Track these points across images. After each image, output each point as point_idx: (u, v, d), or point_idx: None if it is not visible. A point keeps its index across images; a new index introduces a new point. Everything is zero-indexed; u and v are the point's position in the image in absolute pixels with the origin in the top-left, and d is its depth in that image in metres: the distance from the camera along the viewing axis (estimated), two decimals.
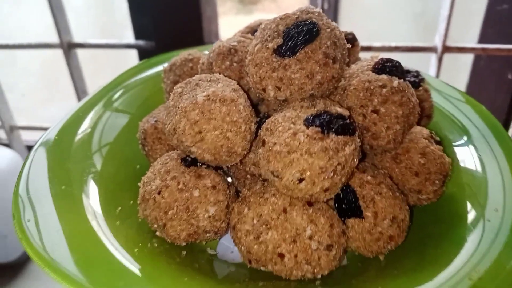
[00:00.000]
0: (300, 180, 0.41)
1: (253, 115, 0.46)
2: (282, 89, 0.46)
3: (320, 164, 0.40)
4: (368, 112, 0.47)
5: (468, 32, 1.52)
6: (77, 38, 1.20)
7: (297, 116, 0.43)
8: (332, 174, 0.40)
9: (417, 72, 0.63)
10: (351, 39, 0.57)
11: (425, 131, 0.53)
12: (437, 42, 1.11)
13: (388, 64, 0.49)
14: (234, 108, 0.44)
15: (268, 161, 0.42)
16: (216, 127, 0.43)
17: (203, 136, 0.43)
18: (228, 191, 0.47)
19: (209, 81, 0.47)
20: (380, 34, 1.79)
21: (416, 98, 0.50)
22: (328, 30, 0.47)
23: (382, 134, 0.47)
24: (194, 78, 0.48)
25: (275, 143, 0.41)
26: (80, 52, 1.23)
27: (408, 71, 0.63)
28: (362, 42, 1.15)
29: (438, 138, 0.54)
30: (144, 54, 1.20)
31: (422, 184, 0.50)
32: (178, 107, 0.45)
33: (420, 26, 1.67)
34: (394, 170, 0.50)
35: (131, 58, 1.31)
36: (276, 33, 0.47)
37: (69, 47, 1.20)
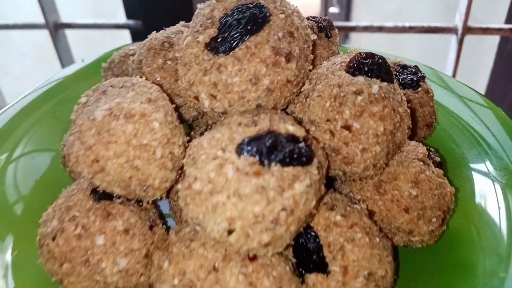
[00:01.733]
0: (229, 232, 0.29)
1: (179, 134, 0.34)
2: (218, 98, 0.34)
3: (255, 211, 0.28)
4: (337, 128, 0.34)
5: (494, 12, 1.35)
6: (68, 18, 1.10)
7: (230, 138, 0.30)
8: (273, 224, 0.28)
9: (415, 67, 0.50)
10: (326, 27, 0.44)
11: (421, 149, 0.40)
12: (458, 22, 0.96)
13: (367, 61, 0.36)
14: (144, 126, 0.32)
15: (186, 203, 0.30)
16: (119, 154, 0.31)
17: (102, 165, 0.31)
18: (151, 234, 0.35)
19: (122, 87, 0.35)
20: (397, 13, 1.63)
21: (406, 108, 0.37)
22: (282, 16, 0.34)
23: (357, 158, 0.34)
24: (105, 82, 0.36)
25: (195, 178, 0.29)
26: (71, 33, 1.14)
27: (404, 66, 0.50)
28: (376, 22, 1.01)
29: (438, 159, 0.41)
30: (136, 34, 1.09)
31: (414, 222, 0.37)
32: (75, 124, 0.34)
33: (441, 5, 1.51)
34: (377, 203, 0.38)
35: (125, 38, 1.20)
36: (209, 21, 0.34)
37: (55, 28, 1.10)
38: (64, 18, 1.11)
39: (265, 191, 0.28)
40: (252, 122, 0.31)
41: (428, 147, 0.41)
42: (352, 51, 0.41)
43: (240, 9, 0.34)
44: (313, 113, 0.35)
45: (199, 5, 0.37)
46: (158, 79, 0.40)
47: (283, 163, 0.29)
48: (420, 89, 0.47)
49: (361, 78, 0.35)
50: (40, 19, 1.09)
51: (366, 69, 0.36)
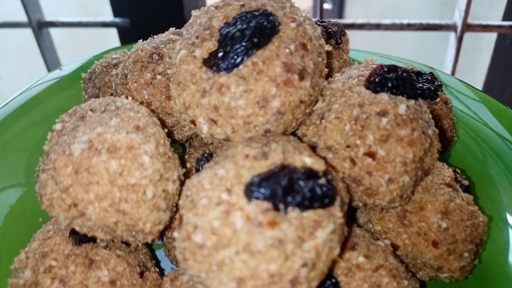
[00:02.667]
0: None
1: (173, 167, 0.29)
2: (219, 123, 0.29)
3: (270, 270, 0.23)
4: (359, 155, 0.29)
5: (492, 8, 1.32)
6: (53, 16, 1.03)
7: (236, 176, 0.25)
8: (292, 284, 0.23)
9: (431, 75, 0.45)
10: (336, 32, 0.39)
11: (448, 172, 0.35)
12: (457, 19, 0.92)
13: (390, 75, 0.31)
14: (131, 162, 0.26)
15: (184, 258, 0.24)
16: (102, 196, 0.26)
17: (81, 210, 0.26)
18: (141, 282, 0.30)
19: (104, 111, 0.29)
20: (392, 9, 1.59)
21: (434, 128, 0.32)
22: (293, 24, 0.29)
23: (382, 189, 0.30)
24: (85, 105, 0.31)
25: (196, 227, 0.24)
26: (56, 31, 1.07)
27: (419, 73, 0.45)
28: (371, 19, 0.96)
29: (466, 182, 0.36)
30: (124, 33, 1.03)
31: (444, 258, 0.32)
32: (48, 158, 0.28)
33: (437, 2, 1.47)
34: (401, 236, 0.33)
35: (113, 37, 1.14)
36: (207, 32, 0.29)
37: (39, 26, 1.03)
38: (48, 16, 1.04)
39: (282, 245, 0.23)
40: (262, 154, 0.26)
41: (454, 168, 0.36)
42: (368, 61, 0.36)
43: (243, 17, 0.28)
44: (330, 138, 0.30)
45: (193, 12, 0.31)
46: (146, 96, 0.35)
47: (302, 206, 0.24)
48: (438, 99, 0.43)
49: (384, 96, 0.30)
50: (23, 17, 1.02)
51: (390, 85, 0.31)
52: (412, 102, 0.30)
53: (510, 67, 1.11)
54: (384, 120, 0.29)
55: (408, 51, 1.60)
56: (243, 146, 0.27)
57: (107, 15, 1.06)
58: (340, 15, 1.80)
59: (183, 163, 0.36)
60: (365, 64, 0.34)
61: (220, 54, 0.28)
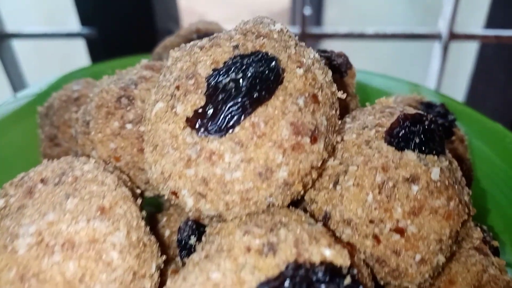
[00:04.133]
0: None
1: (151, 257, 0.22)
2: (209, 198, 0.22)
3: None
4: (385, 232, 0.23)
5: (473, 15, 1.30)
6: (15, 27, 0.94)
7: (237, 283, 0.19)
8: None
9: (442, 107, 0.40)
10: (341, 65, 0.33)
11: (476, 233, 0.30)
12: (442, 28, 0.90)
13: (416, 128, 0.25)
14: (95, 262, 0.19)
15: None
16: None
17: None
18: None
19: (58, 183, 0.22)
20: (372, 15, 1.55)
21: (468, 190, 0.26)
22: (300, 71, 0.23)
23: (411, 271, 0.24)
24: (34, 173, 0.24)
25: None
26: (19, 43, 0.98)
27: (429, 105, 0.40)
28: (353, 26, 0.92)
29: (495, 243, 0.31)
30: (92, 43, 0.94)
31: None
32: None
33: (419, 7, 1.43)
34: None
35: (81, 49, 1.06)
36: (192, 81, 0.22)
37: (0, 38, 0.94)
38: (11, 27, 0.95)
39: None
40: (269, 247, 0.20)
41: (480, 226, 0.31)
42: (382, 103, 0.30)
43: (238, 63, 0.22)
44: (348, 210, 0.24)
45: (172, 53, 0.25)
46: (114, 149, 0.28)
47: None
48: (454, 137, 0.37)
49: (411, 155, 0.24)
50: None
51: (417, 140, 0.25)
52: (444, 162, 0.25)
53: (493, 76, 1.10)
54: (415, 188, 0.23)
55: (389, 58, 1.57)
56: (242, 233, 0.21)
57: (74, 24, 0.98)
58: (318, 20, 1.76)
59: (157, 226, 0.30)
60: (381, 108, 0.29)
61: (209, 112, 0.21)
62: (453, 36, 0.89)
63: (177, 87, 0.22)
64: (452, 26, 0.88)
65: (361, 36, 0.92)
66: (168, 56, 0.44)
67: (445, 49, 0.92)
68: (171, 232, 0.29)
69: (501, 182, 0.40)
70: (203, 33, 0.45)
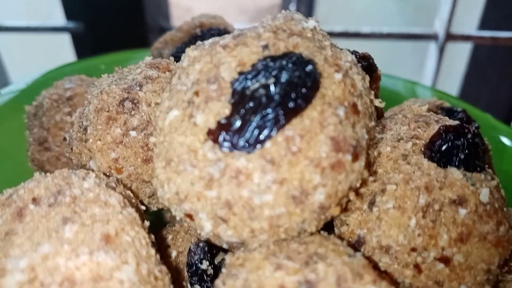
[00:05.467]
0: None
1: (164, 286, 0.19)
2: (231, 224, 0.19)
3: None
4: (428, 260, 0.21)
5: (469, 15, 1.29)
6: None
7: None
8: None
9: (464, 112, 0.37)
10: (367, 68, 0.30)
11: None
12: (438, 29, 0.89)
13: (460, 142, 0.23)
14: None
15: None
16: None
17: None
18: None
19: (53, 204, 0.19)
20: (364, 13, 1.53)
21: (510, 209, 0.24)
22: (338, 76, 0.20)
23: None
24: (25, 188, 0.20)
25: None
26: (1, 37, 0.94)
27: (450, 111, 0.38)
28: (346, 25, 0.90)
29: None
30: (78, 38, 0.90)
31: None
32: None
33: (411, 5, 1.42)
34: None
35: (65, 42, 1.01)
36: (214, 85, 0.19)
37: None
38: None
39: None
40: (307, 286, 0.17)
41: None
42: (414, 110, 0.27)
43: (268, 66, 0.19)
44: (386, 236, 0.21)
45: (189, 51, 0.21)
46: (115, 159, 0.25)
47: None
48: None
49: (457, 174, 0.22)
50: None
51: (462, 156, 0.22)
52: (492, 181, 0.22)
53: (486, 75, 1.10)
54: (463, 211, 0.21)
55: (383, 56, 1.55)
56: (273, 268, 0.18)
57: (60, 18, 0.93)
58: (310, 15, 1.73)
59: (161, 244, 0.27)
60: (414, 117, 0.26)
61: (236, 123, 0.18)
62: (450, 37, 0.88)
63: (196, 93, 0.19)
64: (449, 27, 0.87)
65: (357, 35, 0.90)
66: (170, 53, 0.41)
67: (441, 49, 0.91)
68: (178, 252, 0.26)
69: None
70: (207, 27, 0.41)
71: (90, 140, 0.25)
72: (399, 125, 0.25)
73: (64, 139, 0.33)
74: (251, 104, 0.18)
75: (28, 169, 0.37)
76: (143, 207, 0.24)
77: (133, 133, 0.25)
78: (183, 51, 0.40)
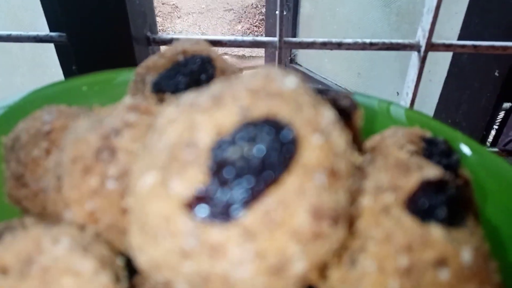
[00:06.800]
0: None
1: None
2: None
3: None
4: None
5: (449, 23, 1.31)
6: None
7: None
8: None
9: (445, 143, 0.37)
10: (347, 108, 0.30)
11: None
12: (420, 39, 0.89)
13: (441, 196, 0.22)
14: None
15: None
16: None
17: None
18: None
19: (23, 275, 0.18)
20: (347, 18, 1.53)
21: (495, 263, 0.24)
22: (318, 138, 0.19)
23: None
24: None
25: None
26: None
27: (431, 142, 0.37)
28: (328, 34, 0.90)
29: None
30: (63, 49, 0.88)
31: None
32: None
33: (394, 12, 1.42)
34: None
35: (50, 51, 0.99)
36: (191, 152, 0.19)
37: None
38: None
39: None
40: None
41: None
42: (397, 156, 0.27)
43: (247, 131, 0.18)
44: None
45: (166, 109, 0.21)
46: (91, 208, 0.24)
47: None
48: (459, 180, 0.35)
49: (438, 232, 0.21)
50: None
51: (442, 213, 0.22)
52: (474, 237, 0.22)
53: (467, 81, 1.11)
54: (444, 273, 0.20)
55: (367, 60, 1.56)
56: None
57: (43, 27, 0.91)
58: (295, 20, 1.73)
59: None
60: (394, 162, 0.26)
61: (213, 193, 0.18)
62: (432, 46, 0.88)
63: (172, 158, 0.19)
64: (431, 37, 0.87)
65: (339, 45, 0.90)
66: (152, 79, 0.40)
67: (424, 59, 0.91)
68: None
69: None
70: (190, 54, 0.41)
71: (66, 190, 0.24)
72: (378, 170, 0.25)
73: (42, 176, 0.33)
74: (228, 172, 0.18)
75: (4, 203, 0.36)
76: (120, 262, 0.23)
77: (110, 183, 0.24)
78: (166, 78, 0.39)
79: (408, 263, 0.20)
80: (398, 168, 0.25)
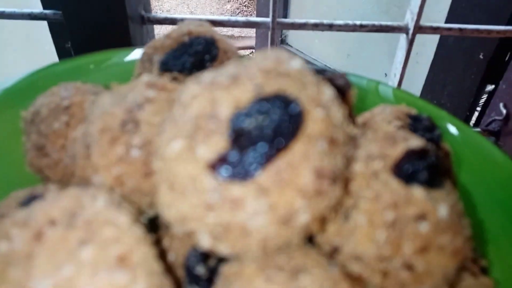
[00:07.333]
0: None
1: None
2: (226, 241, 0.22)
3: None
4: (394, 268, 0.24)
5: (437, 5, 1.34)
6: None
7: None
8: None
9: (429, 120, 0.41)
10: (341, 87, 0.33)
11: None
12: (409, 21, 0.92)
13: (422, 162, 0.26)
14: None
15: None
16: None
17: None
18: None
19: (69, 226, 0.21)
20: (336, 2, 1.55)
21: (467, 221, 0.28)
22: (321, 112, 0.23)
23: None
24: (40, 209, 0.23)
25: None
26: None
27: (416, 118, 0.41)
28: (318, 15, 0.92)
29: (484, 263, 0.33)
30: (56, 27, 0.88)
31: None
32: None
33: None
34: None
35: (43, 28, 0.99)
36: (213, 122, 0.22)
37: None
38: None
39: None
40: None
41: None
42: (385, 129, 0.30)
43: (261, 105, 0.22)
44: (359, 246, 0.25)
45: (189, 84, 0.24)
46: (118, 173, 0.27)
47: None
48: (440, 152, 0.39)
49: (419, 192, 0.25)
50: None
51: (423, 177, 0.26)
52: (451, 200, 0.26)
53: (453, 63, 1.14)
54: (423, 226, 0.24)
55: (357, 41, 1.58)
56: (263, 279, 0.21)
57: (36, 5, 0.91)
58: (286, 0, 1.74)
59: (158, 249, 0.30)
60: (383, 135, 0.29)
61: (233, 157, 0.21)
62: (419, 29, 0.91)
63: (197, 127, 0.22)
64: (419, 20, 0.90)
65: (330, 26, 0.92)
66: (159, 58, 0.43)
67: (412, 42, 0.94)
68: (177, 255, 0.29)
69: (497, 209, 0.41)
70: (194, 35, 0.43)
71: (95, 157, 0.28)
72: (370, 141, 0.29)
73: (62, 146, 0.36)
74: (246, 139, 0.21)
75: (23, 170, 0.39)
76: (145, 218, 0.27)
77: (134, 151, 0.27)
78: (173, 57, 0.42)
79: (393, 217, 0.24)
80: (386, 139, 0.29)
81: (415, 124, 0.40)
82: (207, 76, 0.24)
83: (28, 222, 0.22)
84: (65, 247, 0.20)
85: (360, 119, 0.40)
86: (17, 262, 0.21)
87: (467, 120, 1.10)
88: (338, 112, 0.24)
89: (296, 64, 0.23)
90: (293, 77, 0.23)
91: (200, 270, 0.26)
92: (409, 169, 0.26)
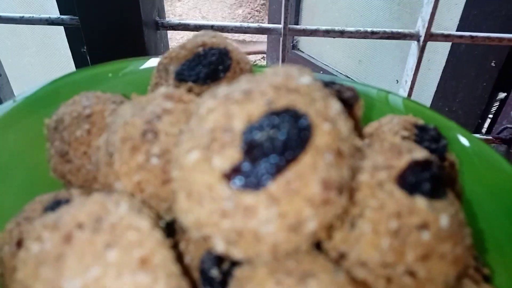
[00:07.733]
0: None
1: None
2: (240, 247, 0.24)
3: None
4: (397, 274, 0.26)
5: (449, 13, 1.34)
6: None
7: None
8: None
9: (435, 130, 0.42)
10: (349, 99, 0.35)
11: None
12: (420, 28, 0.92)
13: (425, 174, 0.27)
14: None
15: None
16: None
17: None
18: None
19: (95, 230, 0.23)
20: (348, 8, 1.56)
21: (468, 230, 0.29)
22: (328, 126, 0.24)
23: None
24: (68, 214, 0.25)
25: None
26: None
27: (423, 129, 0.42)
28: (330, 21, 0.93)
29: (486, 271, 0.34)
30: (73, 32, 0.91)
31: None
32: None
33: (394, 2, 1.46)
34: None
35: (59, 33, 1.02)
36: (227, 135, 0.24)
37: None
38: None
39: None
40: None
41: (474, 255, 0.34)
42: (391, 141, 0.32)
43: (271, 120, 0.23)
44: (364, 252, 0.26)
45: (205, 99, 0.26)
46: (138, 180, 0.29)
47: None
48: (446, 162, 0.40)
49: (421, 202, 0.27)
50: None
51: (426, 187, 0.27)
52: (451, 207, 0.27)
53: (464, 70, 1.14)
54: (425, 234, 0.26)
55: (368, 46, 1.59)
56: (274, 282, 0.23)
57: (53, 10, 0.94)
58: (298, 6, 1.76)
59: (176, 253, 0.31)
60: (388, 146, 0.31)
61: (246, 167, 0.23)
62: (431, 36, 0.91)
63: (213, 139, 0.24)
64: (430, 28, 0.90)
65: (342, 33, 0.93)
66: (175, 68, 0.45)
67: (423, 49, 0.95)
68: (192, 258, 0.31)
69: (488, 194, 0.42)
70: (208, 46, 0.45)
71: (117, 165, 0.29)
72: (376, 153, 0.30)
73: (85, 153, 0.38)
74: (258, 151, 0.23)
75: (46, 175, 0.41)
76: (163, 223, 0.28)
77: (153, 160, 0.29)
78: (188, 68, 0.44)
79: (397, 226, 0.26)
80: (391, 150, 0.30)
81: (422, 134, 0.42)
82: (222, 90, 0.26)
83: (58, 225, 0.24)
84: (92, 250, 0.22)
85: (368, 128, 0.41)
86: (48, 262, 0.22)
87: (478, 127, 1.11)
88: (345, 126, 0.25)
89: (305, 80, 0.25)
90: (302, 92, 0.25)
91: (214, 272, 0.28)
92: (412, 180, 0.27)
